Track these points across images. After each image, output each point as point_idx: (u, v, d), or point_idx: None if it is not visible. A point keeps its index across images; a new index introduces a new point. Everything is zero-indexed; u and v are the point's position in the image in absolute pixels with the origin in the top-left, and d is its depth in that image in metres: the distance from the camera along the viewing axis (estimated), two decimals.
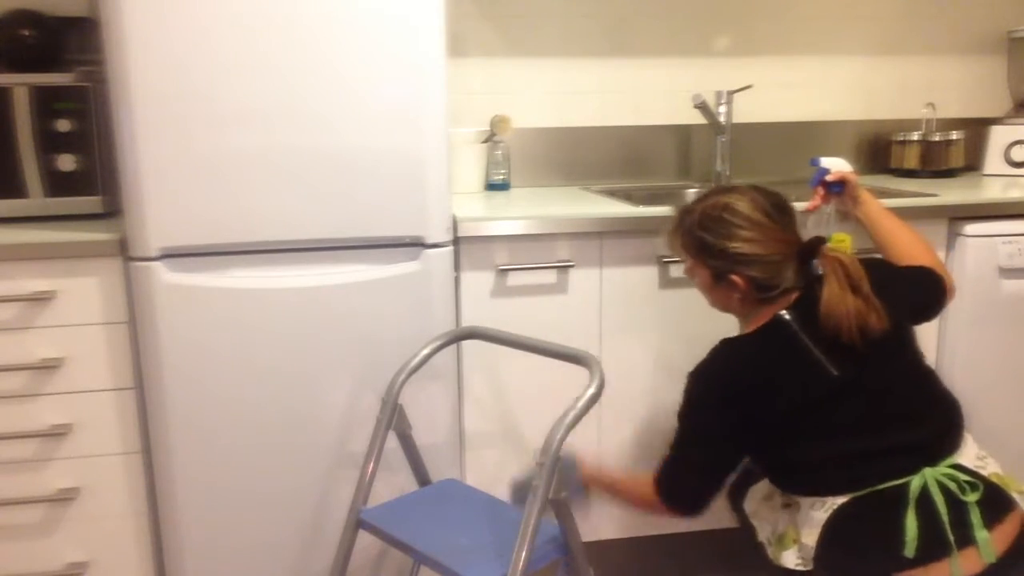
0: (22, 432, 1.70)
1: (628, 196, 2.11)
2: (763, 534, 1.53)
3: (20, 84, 1.77)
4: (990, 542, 1.30)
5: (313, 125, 1.61)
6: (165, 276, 1.62)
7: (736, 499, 1.63)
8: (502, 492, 1.68)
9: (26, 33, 1.91)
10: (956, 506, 1.32)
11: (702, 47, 2.44)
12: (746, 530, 1.60)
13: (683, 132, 2.46)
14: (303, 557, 1.80)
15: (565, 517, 1.41)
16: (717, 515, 2.01)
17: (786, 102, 2.52)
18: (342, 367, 1.73)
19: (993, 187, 2.23)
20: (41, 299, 1.66)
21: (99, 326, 1.69)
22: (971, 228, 1.96)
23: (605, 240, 1.84)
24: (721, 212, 1.42)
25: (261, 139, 1.60)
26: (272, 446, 1.73)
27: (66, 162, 1.81)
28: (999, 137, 2.46)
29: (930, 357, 2.01)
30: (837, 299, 1.36)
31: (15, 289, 1.64)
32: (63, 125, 1.80)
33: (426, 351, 1.61)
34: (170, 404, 1.67)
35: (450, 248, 1.75)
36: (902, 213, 1.71)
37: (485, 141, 2.29)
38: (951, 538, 1.30)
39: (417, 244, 1.72)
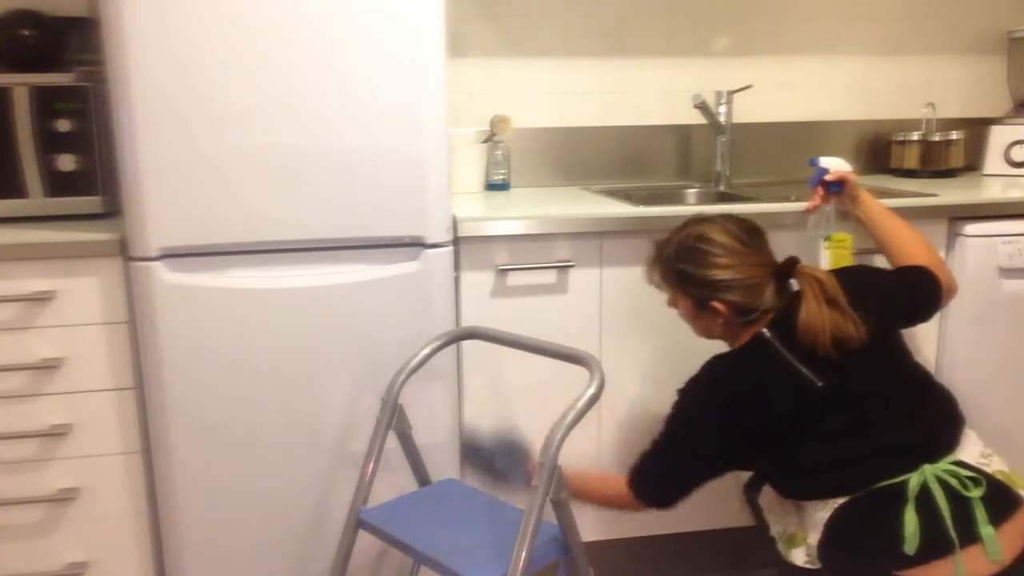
0: (22, 432, 1.70)
1: (628, 196, 2.11)
2: (775, 529, 1.55)
3: (20, 84, 1.77)
4: (996, 539, 1.30)
5: (313, 125, 1.61)
6: (165, 276, 1.62)
7: (751, 493, 1.64)
8: (502, 492, 1.68)
9: (26, 33, 1.91)
10: (959, 502, 1.32)
11: (702, 47, 2.44)
12: (759, 523, 1.61)
13: (683, 132, 2.46)
14: (303, 557, 1.80)
15: (565, 517, 1.41)
16: (718, 515, 2.02)
17: (786, 102, 2.52)
18: (342, 367, 1.73)
19: (993, 187, 2.23)
20: (41, 299, 1.66)
21: (99, 326, 1.69)
22: (971, 228, 1.96)
23: (605, 240, 1.84)
24: (696, 242, 1.48)
25: (261, 139, 1.60)
26: (272, 446, 1.73)
27: (66, 162, 1.81)
28: (999, 137, 2.46)
29: (930, 357, 2.02)
30: (814, 314, 1.39)
31: (15, 289, 1.64)
32: (63, 125, 1.80)
33: (426, 351, 1.61)
34: (170, 404, 1.67)
35: (450, 248, 1.75)
36: (902, 213, 1.72)
37: (485, 141, 2.29)
38: (953, 535, 1.29)
39: (417, 244, 1.72)
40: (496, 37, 2.33)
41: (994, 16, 2.57)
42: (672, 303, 1.58)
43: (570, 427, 1.32)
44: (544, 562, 1.41)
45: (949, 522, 1.30)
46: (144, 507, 1.79)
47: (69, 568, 1.77)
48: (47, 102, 1.78)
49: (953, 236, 1.98)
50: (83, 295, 1.67)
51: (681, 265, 1.49)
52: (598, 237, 1.84)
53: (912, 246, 1.65)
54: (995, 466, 1.40)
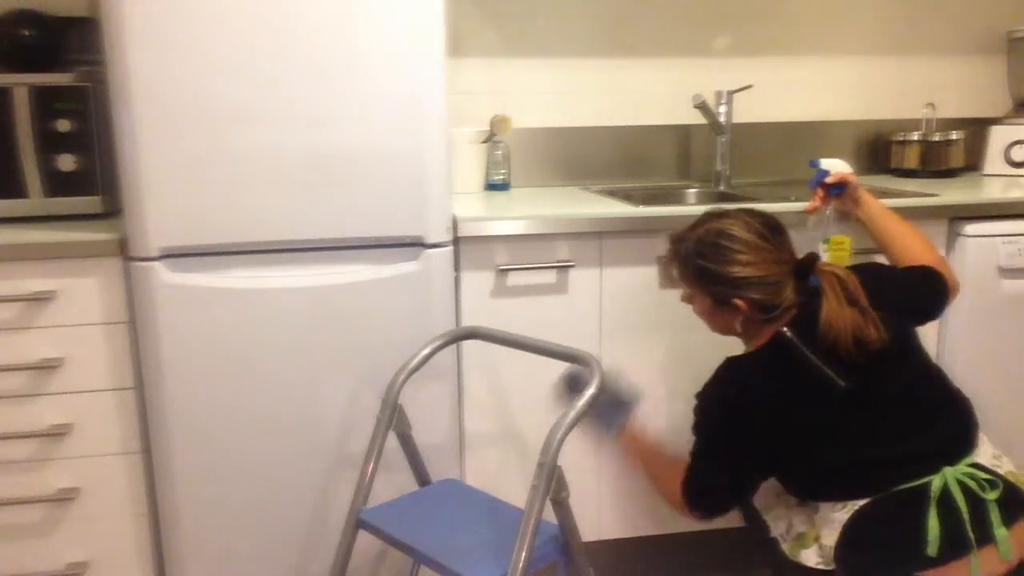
0: (22, 432, 1.70)
1: (628, 196, 2.11)
2: (777, 530, 1.53)
3: (20, 84, 1.77)
4: (1008, 539, 1.31)
5: (313, 125, 1.61)
6: (165, 276, 1.62)
7: None
8: (502, 492, 1.68)
9: (26, 33, 1.91)
10: (976, 504, 1.33)
11: (702, 47, 2.44)
12: (753, 524, 1.60)
13: (683, 132, 2.46)
14: (303, 557, 1.80)
15: (565, 517, 1.41)
16: None
17: (786, 102, 2.52)
18: (342, 367, 1.73)
19: (993, 187, 2.23)
20: (41, 299, 1.66)
21: (99, 326, 1.69)
22: (971, 228, 1.96)
23: (605, 240, 1.84)
24: (716, 238, 1.43)
25: (261, 139, 1.60)
26: (272, 446, 1.73)
27: (66, 162, 1.81)
28: (999, 137, 2.46)
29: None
30: (835, 314, 1.37)
31: (15, 289, 1.64)
32: (63, 125, 1.80)
33: (426, 351, 1.61)
34: (170, 404, 1.67)
35: (450, 248, 1.75)
36: (902, 213, 1.72)
37: (485, 141, 2.29)
38: (972, 536, 1.31)
39: (417, 244, 1.72)
40: (496, 37, 2.33)
41: (994, 16, 2.57)
42: (687, 299, 1.54)
43: (570, 427, 1.32)
44: (544, 562, 1.41)
45: (968, 525, 1.31)
46: (144, 507, 1.79)
47: (69, 568, 1.77)
48: (47, 102, 1.78)
49: (953, 236, 1.98)
50: (83, 295, 1.67)
51: (700, 262, 1.45)
52: (598, 237, 1.84)
53: (915, 246, 1.64)
54: (1006, 467, 1.41)
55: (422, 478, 1.70)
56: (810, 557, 1.44)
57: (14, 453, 1.71)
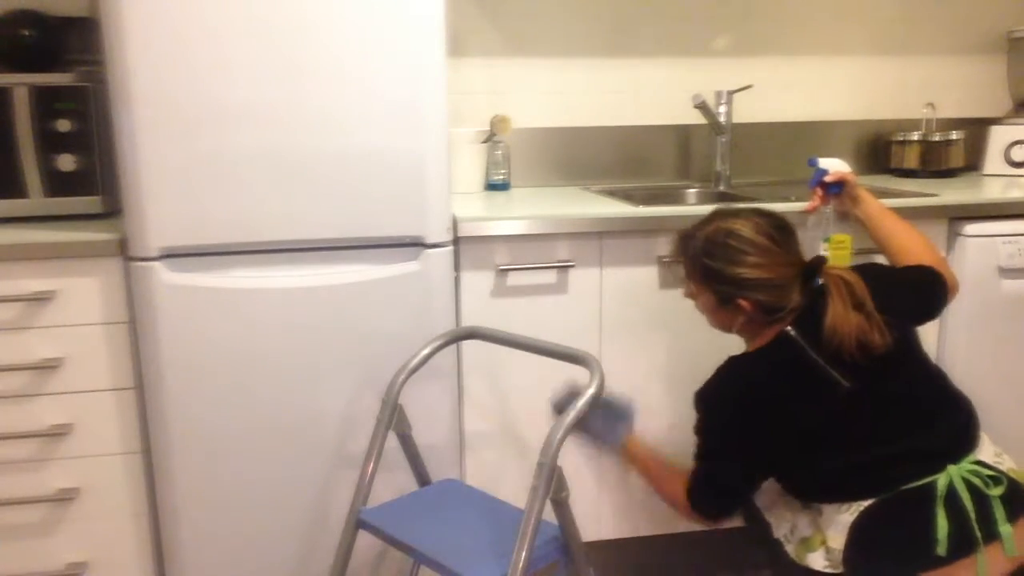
0: (22, 432, 1.70)
1: (628, 196, 2.11)
2: (780, 531, 1.53)
3: (20, 84, 1.77)
4: (1013, 536, 1.32)
5: (313, 125, 1.61)
6: (165, 276, 1.62)
7: None
8: (502, 492, 1.68)
9: (26, 33, 1.91)
10: (981, 501, 1.33)
11: (702, 47, 2.44)
12: (754, 525, 1.59)
13: (683, 132, 2.46)
14: (303, 557, 1.80)
15: (565, 517, 1.41)
16: None
17: (786, 102, 2.52)
18: (342, 367, 1.73)
19: (993, 187, 2.23)
20: (41, 299, 1.66)
21: (99, 326, 1.69)
22: (971, 228, 1.96)
23: (605, 240, 1.84)
24: (725, 238, 1.43)
25: (261, 139, 1.60)
26: (272, 446, 1.73)
27: (66, 162, 1.81)
28: (999, 137, 2.46)
29: (930, 357, 2.01)
30: (841, 318, 1.37)
31: (15, 289, 1.64)
32: (63, 125, 1.80)
33: (426, 351, 1.61)
34: (170, 404, 1.67)
35: (450, 248, 1.75)
36: (902, 213, 1.72)
37: (485, 141, 2.29)
38: (978, 534, 1.31)
39: (417, 244, 1.72)
40: (496, 37, 2.33)
41: (994, 16, 2.57)
42: (690, 295, 1.54)
43: (570, 427, 1.32)
44: (544, 562, 1.41)
45: (975, 522, 1.31)
46: (144, 507, 1.79)
47: (69, 568, 1.77)
48: (47, 102, 1.78)
49: (953, 236, 1.98)
50: (83, 295, 1.67)
51: (707, 260, 1.44)
52: (598, 237, 1.84)
53: (914, 245, 1.64)
54: (1007, 465, 1.42)
55: (422, 478, 1.70)
56: (817, 560, 1.43)
57: (14, 453, 1.71)
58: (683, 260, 1.51)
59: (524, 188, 2.37)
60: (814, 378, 1.39)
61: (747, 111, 2.45)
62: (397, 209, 1.68)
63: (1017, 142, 2.42)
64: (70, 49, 1.99)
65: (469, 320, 1.82)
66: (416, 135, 1.66)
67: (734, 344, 1.53)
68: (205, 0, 1.53)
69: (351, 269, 1.70)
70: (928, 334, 2.00)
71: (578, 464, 1.91)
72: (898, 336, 1.40)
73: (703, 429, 1.48)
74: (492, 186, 2.32)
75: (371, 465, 1.57)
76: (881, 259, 1.72)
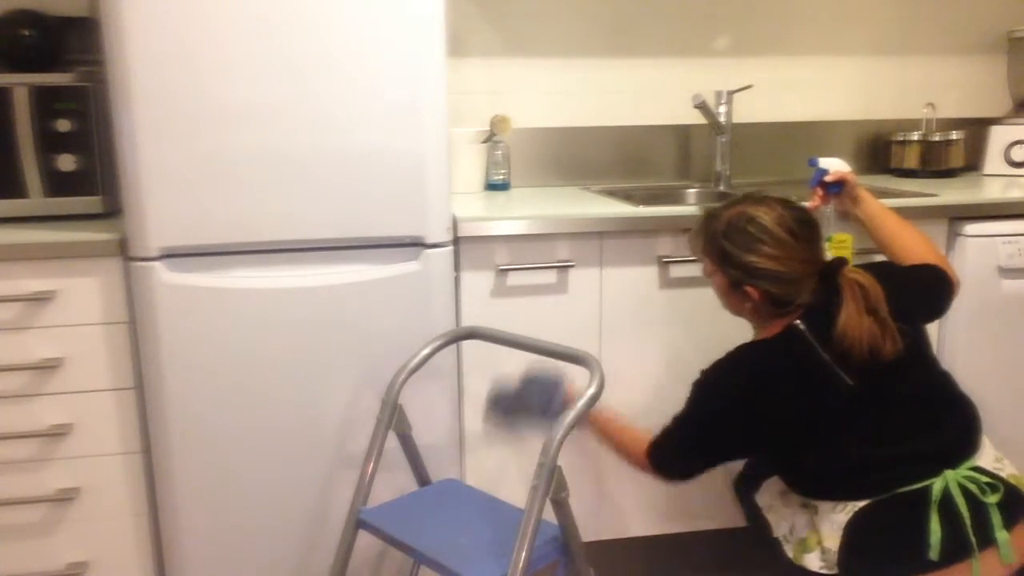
0: (22, 432, 1.70)
1: (628, 196, 2.11)
2: (780, 530, 1.53)
3: (20, 84, 1.77)
4: (1010, 543, 1.32)
5: (313, 125, 1.61)
6: (165, 276, 1.62)
7: (744, 492, 1.62)
8: (502, 492, 1.68)
9: (26, 33, 1.91)
10: (977, 508, 1.33)
11: (702, 47, 2.44)
12: (754, 524, 1.59)
13: (683, 132, 2.46)
14: (303, 557, 1.80)
15: (565, 517, 1.41)
16: (718, 515, 2.02)
17: (786, 102, 2.51)
18: (342, 367, 1.73)
19: (993, 187, 2.23)
20: (41, 299, 1.66)
21: (99, 326, 1.69)
22: (971, 228, 1.96)
23: (605, 240, 1.84)
24: (746, 224, 1.42)
25: (261, 139, 1.60)
26: (272, 446, 1.73)
27: (66, 162, 1.81)
28: (999, 137, 2.46)
29: None
30: (853, 322, 1.37)
31: (15, 289, 1.64)
32: (63, 125, 1.80)
33: (426, 351, 1.61)
34: (170, 404, 1.67)
35: (450, 248, 1.75)
36: (902, 213, 1.72)
37: (485, 141, 2.29)
38: (973, 540, 1.31)
39: (417, 244, 1.72)
40: (496, 37, 2.33)
41: (994, 16, 2.57)
42: (707, 273, 1.54)
43: (570, 427, 1.32)
44: (544, 562, 1.41)
45: (970, 528, 1.31)
46: (144, 507, 1.79)
47: (69, 568, 1.77)
48: (47, 102, 1.78)
49: (953, 236, 1.98)
50: (83, 295, 1.67)
51: (725, 243, 1.44)
52: (598, 237, 1.84)
53: (916, 244, 1.64)
54: (1008, 470, 1.41)
55: (422, 478, 1.70)
56: (813, 561, 1.43)
57: (14, 453, 1.71)
58: (704, 238, 1.51)
59: (524, 188, 2.37)
60: (819, 374, 1.39)
61: (747, 111, 2.45)
62: (397, 209, 1.68)
63: (1017, 142, 2.43)
64: (70, 49, 1.99)
65: (469, 320, 1.82)
66: (416, 135, 1.66)
67: (734, 344, 1.53)
68: (205, 0, 1.53)
69: (351, 269, 1.70)
70: (928, 334, 2.00)
71: (578, 464, 1.91)
72: (909, 341, 1.40)
73: (693, 399, 1.47)
74: (492, 186, 2.32)
75: (371, 465, 1.57)
76: (881, 259, 1.72)
